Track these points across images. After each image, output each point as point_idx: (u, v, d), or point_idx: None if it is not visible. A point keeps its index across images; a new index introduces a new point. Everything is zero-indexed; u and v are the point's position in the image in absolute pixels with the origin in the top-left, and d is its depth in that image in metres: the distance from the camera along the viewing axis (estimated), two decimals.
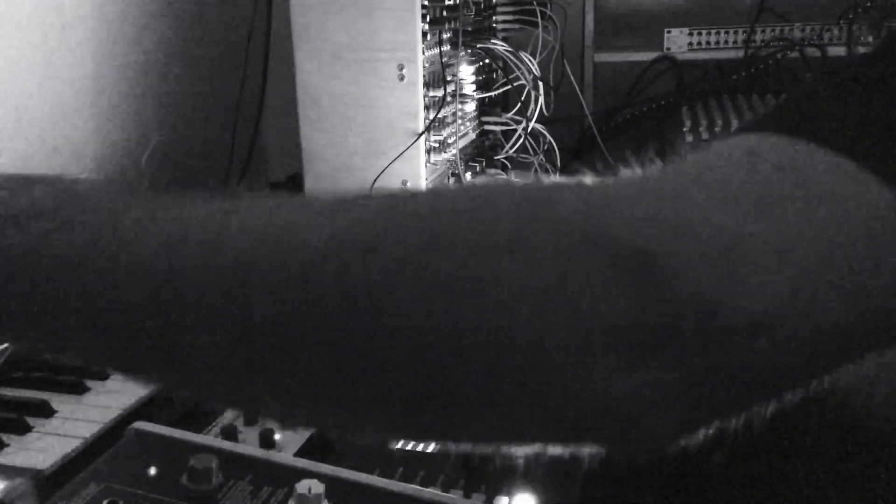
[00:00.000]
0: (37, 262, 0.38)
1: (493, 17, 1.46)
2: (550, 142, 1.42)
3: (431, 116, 1.20)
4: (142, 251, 0.37)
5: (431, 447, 0.74)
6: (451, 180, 1.33)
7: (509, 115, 1.44)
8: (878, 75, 0.39)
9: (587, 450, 0.38)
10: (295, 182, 1.50)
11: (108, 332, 0.38)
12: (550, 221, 0.33)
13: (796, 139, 0.36)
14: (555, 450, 0.39)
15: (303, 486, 0.57)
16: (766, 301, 0.32)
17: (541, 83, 1.37)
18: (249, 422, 0.78)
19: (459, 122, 1.33)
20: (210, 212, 0.38)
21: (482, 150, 1.47)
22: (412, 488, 0.63)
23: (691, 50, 1.81)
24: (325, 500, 0.57)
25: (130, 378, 0.45)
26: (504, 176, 1.43)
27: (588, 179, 0.36)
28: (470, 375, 0.33)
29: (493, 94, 1.47)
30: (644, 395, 0.33)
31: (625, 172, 0.37)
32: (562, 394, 0.33)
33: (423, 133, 1.18)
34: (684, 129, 1.56)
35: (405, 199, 0.38)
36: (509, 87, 1.43)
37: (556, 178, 0.37)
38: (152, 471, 0.61)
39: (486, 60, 1.45)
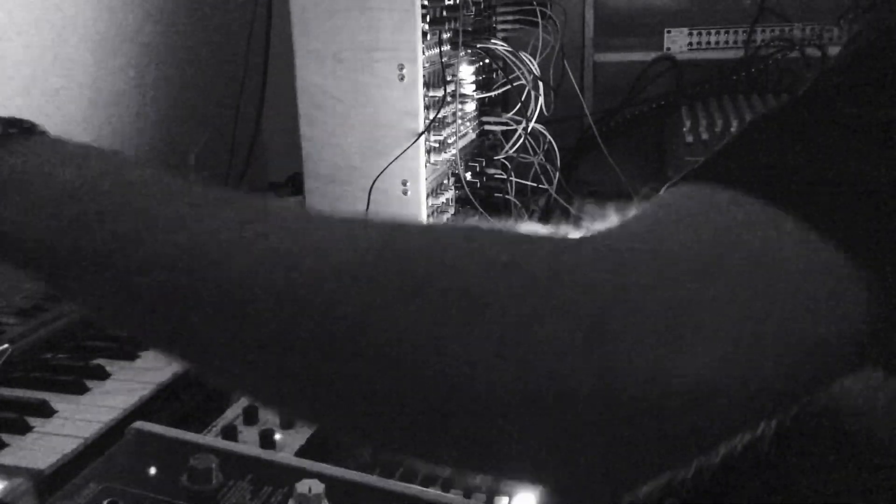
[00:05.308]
0: (82, 238, 0.43)
1: (493, 17, 1.46)
2: (550, 142, 1.42)
3: (431, 116, 1.20)
4: (171, 251, 0.41)
5: None
6: (451, 180, 1.33)
7: (509, 115, 1.44)
8: (814, 120, 0.41)
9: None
10: (295, 182, 1.50)
11: (140, 309, 0.43)
12: (522, 287, 0.36)
13: (740, 193, 0.38)
14: None
15: (303, 486, 0.57)
16: (704, 373, 0.34)
17: (541, 83, 1.37)
18: (249, 422, 0.78)
19: (459, 122, 1.33)
20: (234, 222, 0.42)
21: (482, 150, 1.47)
22: (412, 488, 0.63)
23: (691, 50, 1.81)
24: (325, 500, 0.57)
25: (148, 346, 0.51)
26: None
27: (561, 236, 0.39)
28: (429, 413, 0.37)
29: (493, 94, 1.47)
30: (581, 457, 0.36)
31: (590, 230, 0.39)
32: (508, 441, 0.37)
33: (423, 133, 1.18)
34: (684, 129, 1.56)
35: (398, 247, 0.40)
36: (509, 87, 1.43)
37: (527, 228, 0.40)
38: (152, 471, 0.61)
39: (486, 60, 1.45)
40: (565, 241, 0.39)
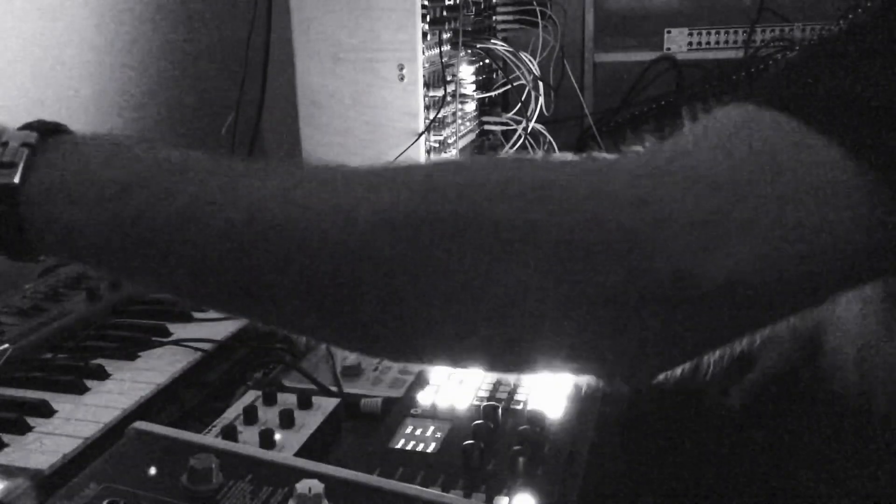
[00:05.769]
0: (145, 226, 0.46)
1: (493, 17, 1.46)
2: (550, 142, 1.42)
3: (431, 116, 1.20)
4: (223, 219, 0.45)
5: (431, 447, 0.74)
6: None
7: (509, 115, 1.44)
8: (865, 49, 0.44)
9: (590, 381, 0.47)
10: None
11: (201, 275, 0.47)
12: (560, 207, 0.40)
13: (779, 113, 0.42)
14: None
15: (303, 486, 0.57)
16: (730, 270, 0.38)
17: (541, 83, 1.37)
18: (249, 422, 0.78)
19: (459, 122, 1.33)
20: (282, 186, 0.45)
21: (482, 150, 1.47)
22: (412, 488, 0.63)
23: (691, 50, 1.81)
24: (325, 500, 0.57)
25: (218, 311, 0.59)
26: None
27: (595, 156, 0.43)
28: (491, 336, 0.42)
29: (493, 94, 1.47)
30: (626, 347, 0.41)
31: (626, 151, 0.43)
32: (560, 342, 0.41)
33: (423, 133, 1.18)
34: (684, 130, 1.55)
35: (436, 178, 0.44)
36: (509, 87, 1.43)
37: (566, 156, 0.44)
38: (152, 471, 0.61)
39: (486, 60, 1.45)
40: (602, 161, 0.42)
